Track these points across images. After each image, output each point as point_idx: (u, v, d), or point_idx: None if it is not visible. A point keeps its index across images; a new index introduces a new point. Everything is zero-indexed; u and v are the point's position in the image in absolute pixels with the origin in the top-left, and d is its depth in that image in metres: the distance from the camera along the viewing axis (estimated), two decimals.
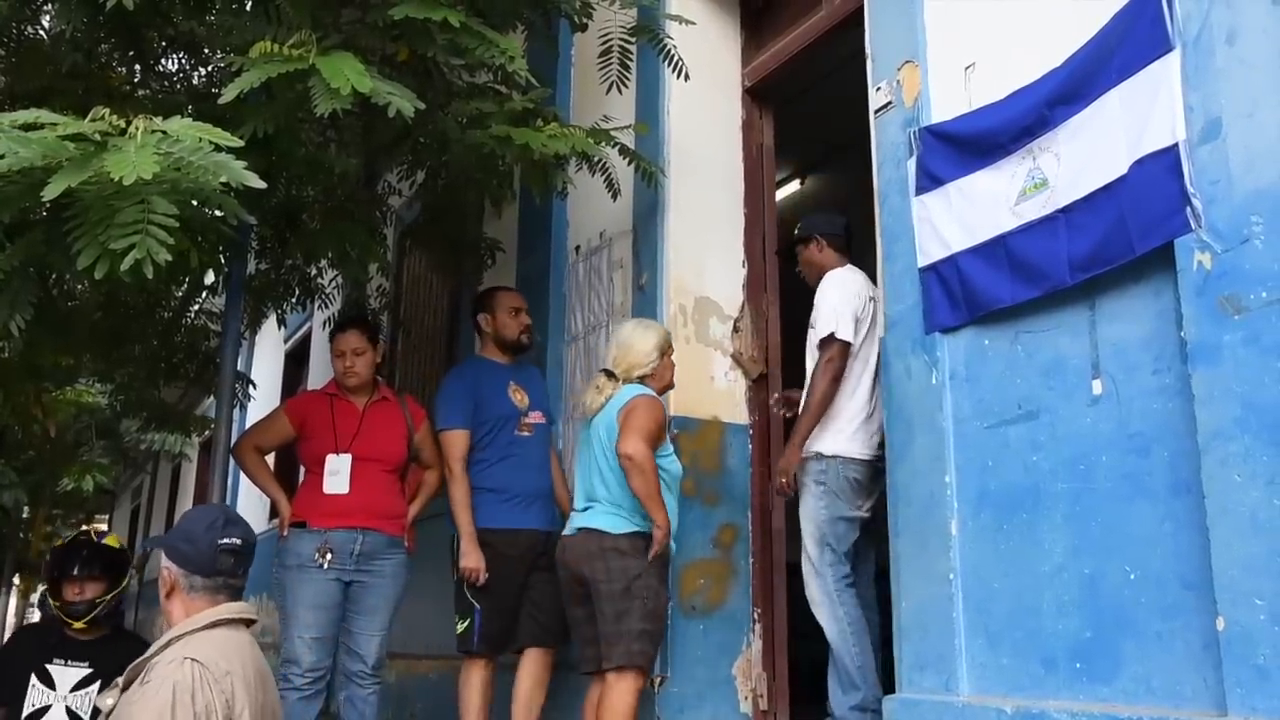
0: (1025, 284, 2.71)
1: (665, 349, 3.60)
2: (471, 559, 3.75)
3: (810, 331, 3.55)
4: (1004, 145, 2.79)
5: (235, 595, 2.42)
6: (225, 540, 2.39)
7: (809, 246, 3.74)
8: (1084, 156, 2.57)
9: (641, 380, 3.53)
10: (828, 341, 3.38)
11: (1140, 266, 2.45)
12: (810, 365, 3.53)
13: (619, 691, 3.23)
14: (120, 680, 2.30)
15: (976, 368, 2.86)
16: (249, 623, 2.43)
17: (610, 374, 3.56)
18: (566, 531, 3.50)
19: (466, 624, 3.79)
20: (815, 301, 3.53)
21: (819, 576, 3.34)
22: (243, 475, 4.23)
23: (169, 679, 2.14)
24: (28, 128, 2.19)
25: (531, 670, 3.84)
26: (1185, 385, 2.30)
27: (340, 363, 3.99)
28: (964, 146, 2.92)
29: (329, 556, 3.73)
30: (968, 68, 3.01)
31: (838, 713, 3.27)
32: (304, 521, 3.81)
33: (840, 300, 3.44)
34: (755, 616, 4.00)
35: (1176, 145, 2.33)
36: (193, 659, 2.19)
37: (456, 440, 3.89)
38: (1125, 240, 2.45)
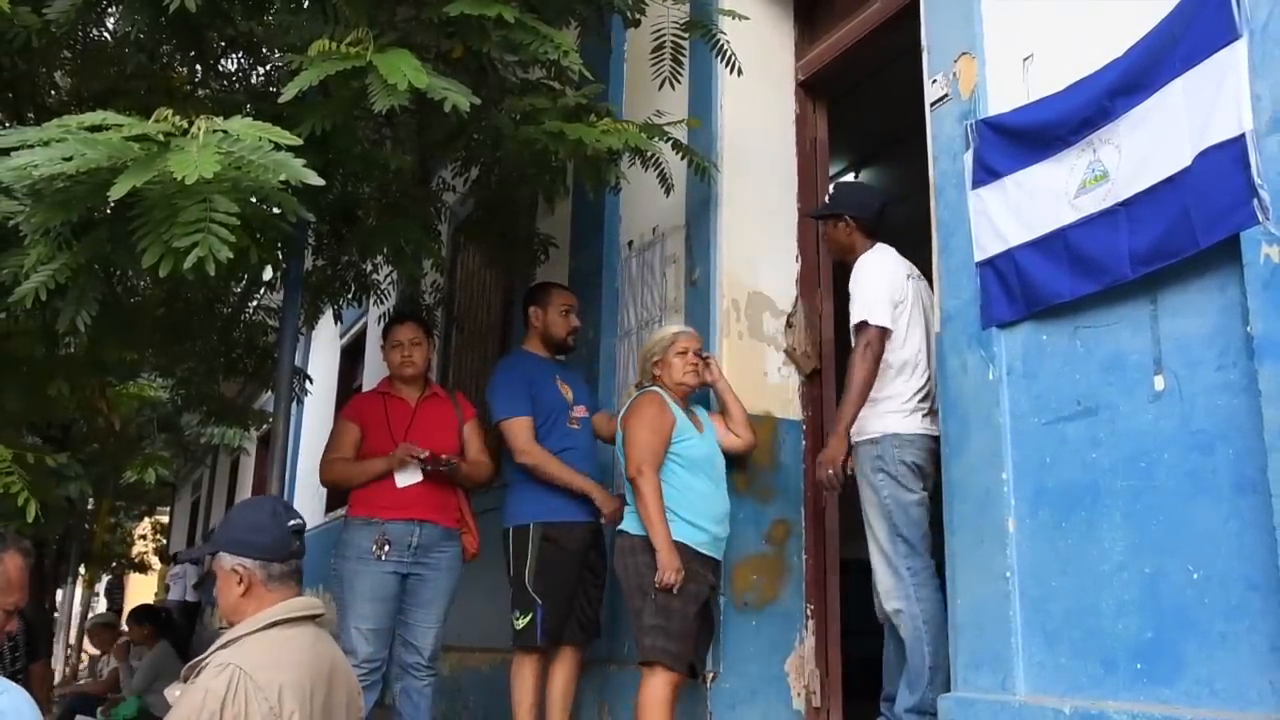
0: (1084, 278, 2.66)
1: (672, 341, 3.69)
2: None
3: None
4: (1063, 137, 2.75)
5: (302, 577, 2.47)
6: (292, 522, 2.46)
7: (836, 226, 3.62)
8: (1146, 148, 2.52)
9: (656, 379, 3.66)
10: (861, 327, 3.28)
11: (1204, 260, 2.39)
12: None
13: (648, 685, 3.33)
14: (183, 674, 2.33)
15: (1034, 363, 2.82)
16: (314, 617, 2.44)
17: (640, 386, 3.72)
18: None
19: (529, 619, 3.80)
20: (850, 288, 3.42)
21: (894, 573, 3.22)
22: (300, 468, 4.29)
23: (204, 684, 2.16)
24: (94, 129, 2.24)
25: (566, 668, 3.89)
26: (1251, 381, 2.25)
27: (398, 353, 4.04)
28: (1022, 139, 2.88)
29: (387, 548, 3.77)
30: (1026, 59, 2.97)
31: (895, 710, 3.24)
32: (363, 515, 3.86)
33: (874, 284, 3.34)
34: (808, 613, 3.98)
35: (1243, 135, 2.28)
36: (237, 666, 2.18)
37: (524, 425, 3.90)
38: (1189, 233, 2.40)
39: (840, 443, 3.24)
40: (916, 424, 3.31)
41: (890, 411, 3.31)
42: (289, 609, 2.37)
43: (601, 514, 3.89)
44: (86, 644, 15.42)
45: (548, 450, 3.91)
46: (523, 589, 3.82)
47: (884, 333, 3.30)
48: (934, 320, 3.27)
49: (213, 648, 2.30)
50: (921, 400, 3.35)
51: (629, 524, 3.50)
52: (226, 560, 2.39)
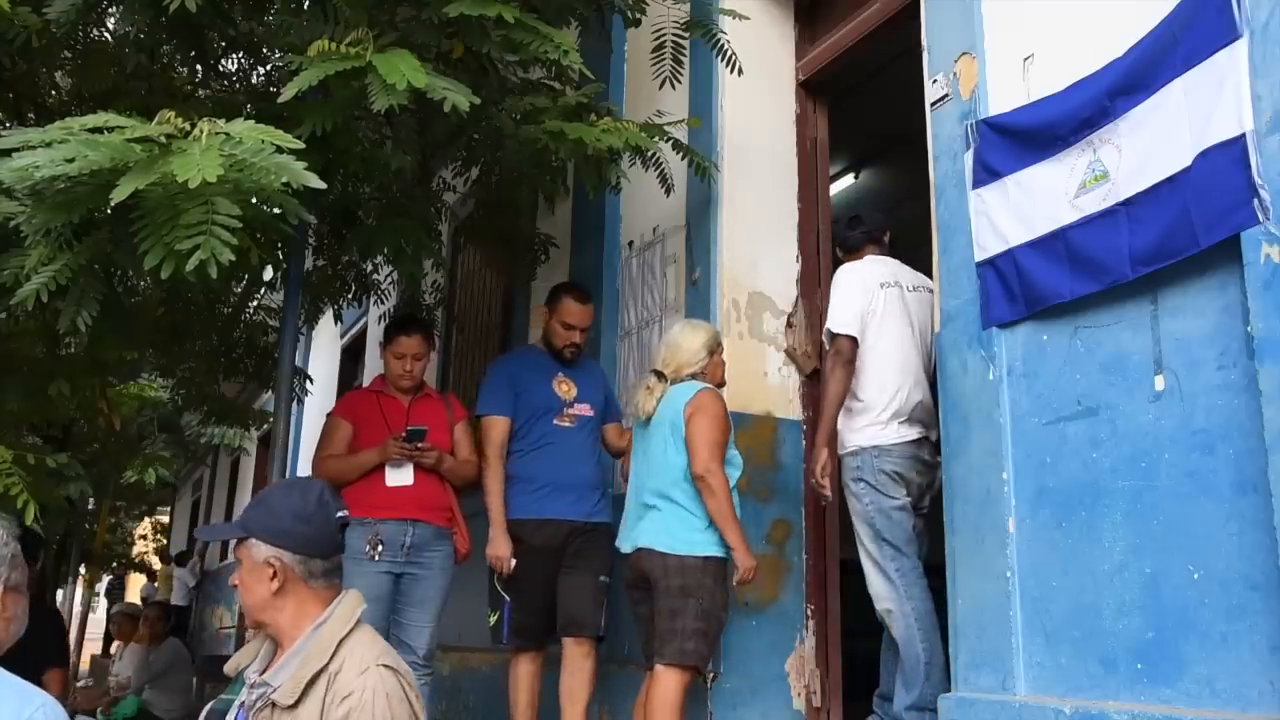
0: (1085, 278, 2.65)
1: (714, 347, 3.59)
2: (498, 546, 3.76)
3: None
4: (1063, 137, 2.74)
5: (342, 577, 2.19)
6: (341, 514, 2.15)
7: (841, 256, 3.78)
8: (1147, 148, 2.52)
9: (693, 378, 3.52)
10: (829, 338, 3.42)
11: (1205, 260, 2.39)
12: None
13: (665, 685, 3.26)
14: (276, 697, 1.97)
15: (1034, 363, 2.82)
16: None
17: (660, 374, 3.58)
18: (625, 546, 3.52)
19: (496, 616, 3.81)
20: None
21: (883, 575, 3.30)
22: (300, 468, 4.28)
23: (376, 690, 1.92)
24: (96, 130, 2.25)
25: (570, 664, 3.78)
26: (1252, 381, 2.25)
27: (400, 364, 4.03)
28: (1022, 139, 2.87)
29: (380, 549, 3.76)
30: (1026, 59, 2.97)
31: (894, 709, 3.25)
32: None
33: (842, 294, 3.46)
34: (808, 613, 3.99)
35: (1244, 135, 2.27)
36: (386, 665, 1.98)
37: (493, 426, 3.89)
38: (1189, 233, 2.39)
39: (822, 453, 3.34)
40: (895, 432, 3.38)
41: (868, 424, 3.39)
42: (361, 602, 2.13)
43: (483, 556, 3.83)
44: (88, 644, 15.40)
45: (521, 451, 3.89)
46: (492, 586, 3.83)
47: (853, 342, 3.38)
48: (934, 322, 3.28)
49: (316, 657, 1.99)
50: (900, 408, 3.39)
51: (665, 543, 3.35)
52: (261, 549, 2.07)
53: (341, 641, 2.01)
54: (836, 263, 3.81)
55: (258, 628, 2.14)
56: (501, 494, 3.83)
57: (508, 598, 3.80)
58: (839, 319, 3.41)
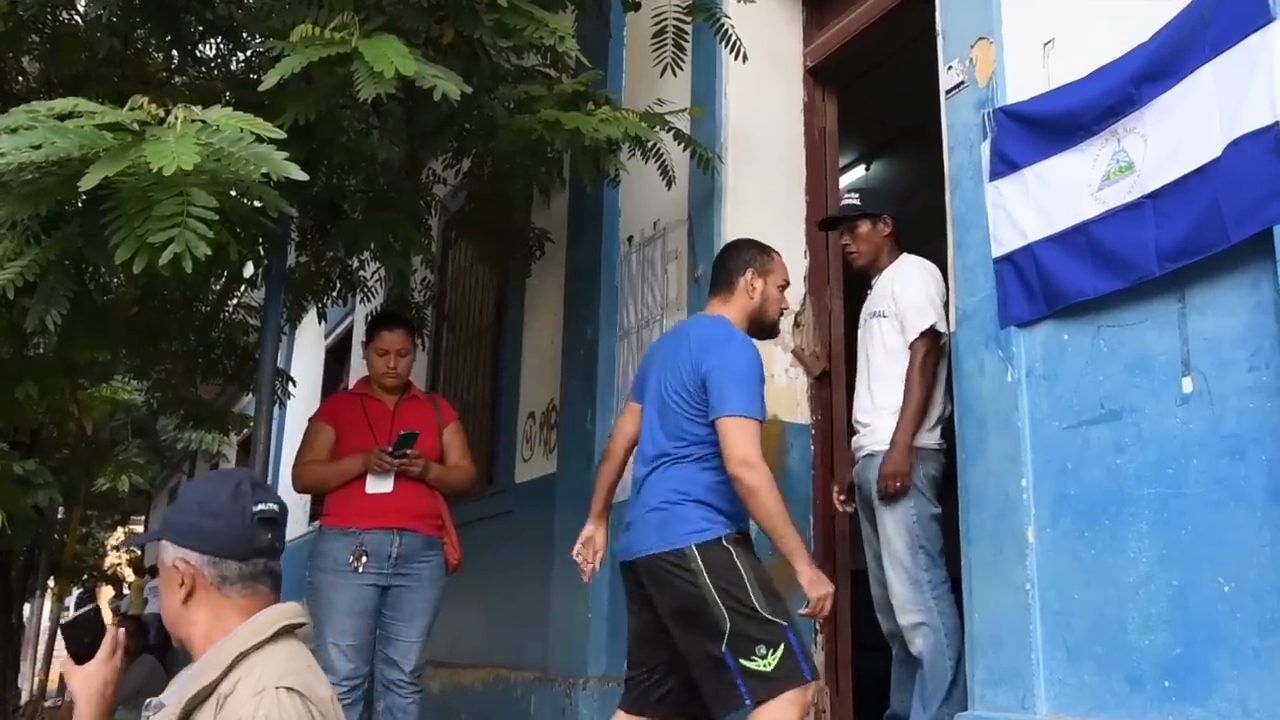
0: (1109, 275, 2.61)
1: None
2: (824, 581, 2.77)
3: (878, 320, 3.45)
4: (1086, 126, 2.70)
5: (278, 584, 1.85)
6: (261, 506, 1.82)
7: (876, 225, 3.54)
8: (1174, 138, 2.47)
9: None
10: (927, 334, 3.28)
11: (1235, 255, 2.34)
12: (877, 355, 3.43)
13: None
14: (171, 709, 1.70)
15: (1055, 364, 2.77)
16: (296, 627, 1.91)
17: None
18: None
19: (779, 652, 2.64)
20: (894, 290, 3.41)
21: (914, 585, 3.19)
22: (282, 475, 4.18)
23: (269, 718, 1.60)
24: (64, 117, 2.22)
25: None
26: None
27: (383, 362, 3.94)
28: (1042, 128, 2.83)
29: (364, 560, 3.65)
30: (1046, 44, 2.92)
31: None
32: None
33: (935, 291, 3.34)
34: (817, 626, 3.88)
35: (1277, 124, 2.21)
36: (289, 689, 1.64)
37: (759, 431, 2.78)
38: (1219, 227, 2.34)
39: (904, 455, 3.21)
40: (935, 439, 3.34)
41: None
42: (291, 613, 1.80)
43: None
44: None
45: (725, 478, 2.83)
46: (753, 617, 2.67)
47: (939, 341, 3.31)
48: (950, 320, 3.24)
49: (214, 669, 1.69)
50: (941, 414, 3.35)
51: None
52: (169, 551, 1.80)
53: (242, 656, 1.69)
54: (830, 224, 3.70)
55: (179, 646, 1.86)
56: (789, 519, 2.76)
57: (786, 623, 2.70)
58: (941, 318, 3.28)
